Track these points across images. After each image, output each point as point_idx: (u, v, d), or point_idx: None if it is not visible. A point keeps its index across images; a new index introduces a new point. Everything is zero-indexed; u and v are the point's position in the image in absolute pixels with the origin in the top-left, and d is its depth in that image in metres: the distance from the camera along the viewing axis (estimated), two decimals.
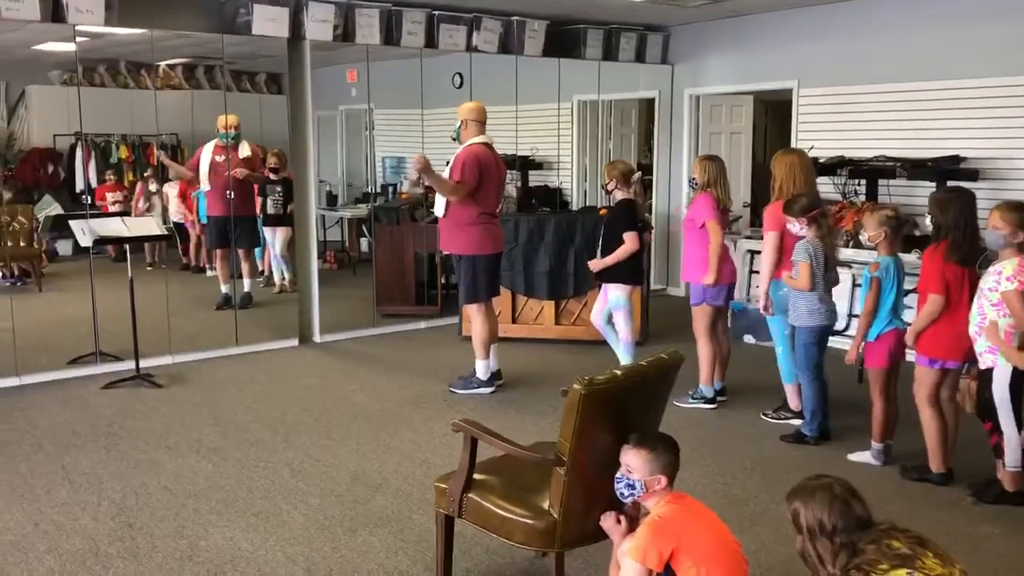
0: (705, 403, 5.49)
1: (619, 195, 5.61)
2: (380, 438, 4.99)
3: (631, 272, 5.63)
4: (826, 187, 7.38)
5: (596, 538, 2.96)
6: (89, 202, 7.10)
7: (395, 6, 7.32)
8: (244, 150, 7.62)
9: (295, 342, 7.18)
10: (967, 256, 4.15)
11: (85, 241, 5.92)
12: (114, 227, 6.02)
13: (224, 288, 7.80)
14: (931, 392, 4.27)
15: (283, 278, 8.39)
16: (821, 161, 7.22)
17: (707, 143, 8.91)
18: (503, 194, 6.16)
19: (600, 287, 5.83)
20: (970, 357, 4.17)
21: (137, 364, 5.99)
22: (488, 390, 5.80)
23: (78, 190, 8.91)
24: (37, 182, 9.10)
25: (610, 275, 5.62)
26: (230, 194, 7.34)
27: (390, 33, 7.36)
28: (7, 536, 3.75)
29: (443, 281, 8.06)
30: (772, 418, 5.27)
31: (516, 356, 6.56)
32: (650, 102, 9.40)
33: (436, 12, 7.54)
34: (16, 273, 8.25)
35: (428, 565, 3.47)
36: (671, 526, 2.61)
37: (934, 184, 6.46)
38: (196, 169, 7.66)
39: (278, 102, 8.79)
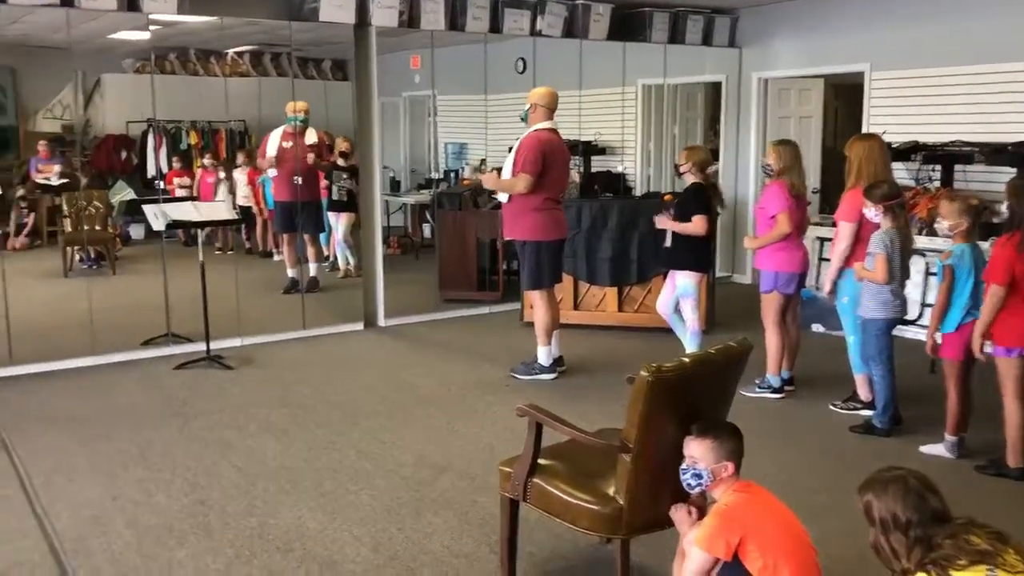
0: (772, 392, 5.41)
1: (690, 178, 5.53)
2: (444, 421, 5.03)
3: (700, 259, 5.57)
4: (899, 173, 7.18)
5: (661, 526, 2.94)
6: (161, 187, 7.28)
7: None
8: (311, 136, 7.72)
9: (360, 326, 7.28)
10: None
11: (158, 225, 6.07)
12: (186, 211, 6.16)
13: (291, 272, 7.94)
14: (1018, 384, 4.13)
15: (347, 263, 8.50)
16: (894, 146, 7.02)
17: (775, 128, 8.74)
18: (568, 180, 6.12)
19: (666, 275, 5.78)
20: None
21: (208, 346, 6.13)
22: (550, 376, 5.80)
23: (150, 175, 9.15)
24: (111, 168, 9.36)
25: (679, 261, 5.56)
26: (298, 180, 7.44)
27: (455, 18, 7.37)
28: (87, 511, 3.89)
29: (505, 267, 8.07)
30: (841, 408, 5.17)
31: (578, 343, 6.54)
32: (716, 86, 9.26)
33: None
34: (92, 256, 8.51)
35: (492, 548, 3.49)
36: (739, 514, 2.58)
37: (1014, 170, 6.24)
38: (264, 155, 7.79)
39: (343, 88, 8.88)
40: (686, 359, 2.88)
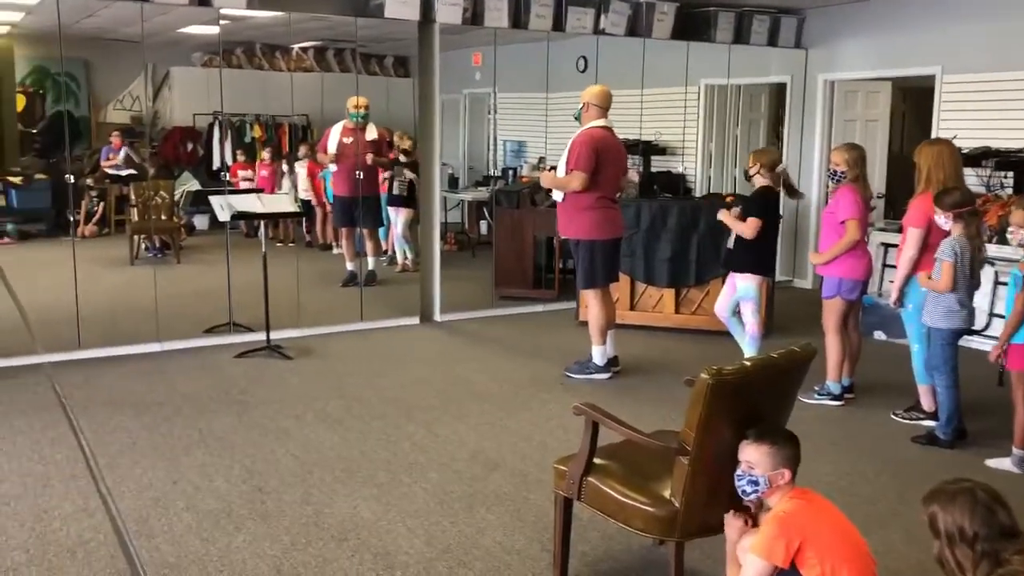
0: (832, 399, 5.31)
1: (759, 181, 5.45)
2: (498, 417, 5.05)
3: (761, 261, 5.49)
4: (970, 179, 6.99)
5: (716, 530, 2.91)
6: (226, 179, 7.42)
7: None
8: (371, 132, 7.80)
9: (416, 320, 7.33)
10: None
11: (224, 216, 6.19)
12: (250, 203, 6.27)
13: (350, 266, 8.03)
14: None
15: (406, 257, 8.57)
16: (965, 151, 6.84)
17: (841, 131, 8.58)
18: (625, 179, 6.09)
19: (725, 277, 5.71)
20: None
21: (268, 335, 6.23)
22: (604, 376, 5.78)
23: (215, 167, 9.34)
24: (178, 159, 9.60)
25: (739, 263, 5.49)
26: (359, 175, 7.52)
27: (518, 16, 7.38)
28: (150, 492, 3.98)
29: (561, 265, 8.06)
30: (903, 418, 5.06)
31: (634, 343, 6.50)
32: (780, 87, 9.12)
33: None
34: (158, 245, 8.72)
35: (545, 546, 3.49)
36: (796, 521, 2.54)
37: None
38: (325, 150, 7.89)
39: (405, 85, 8.96)
40: (748, 362, 2.85)
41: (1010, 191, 6.71)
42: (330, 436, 4.73)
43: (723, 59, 8.50)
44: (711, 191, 8.90)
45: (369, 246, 8.09)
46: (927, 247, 4.80)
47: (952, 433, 4.65)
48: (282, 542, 3.54)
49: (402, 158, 8.30)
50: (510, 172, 9.72)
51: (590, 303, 5.79)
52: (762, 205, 5.41)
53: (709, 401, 2.71)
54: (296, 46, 9.16)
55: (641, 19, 7.94)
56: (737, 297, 5.54)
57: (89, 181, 9.21)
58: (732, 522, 2.79)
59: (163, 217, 8.44)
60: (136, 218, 8.44)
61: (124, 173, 9.03)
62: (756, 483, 2.65)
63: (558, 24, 7.57)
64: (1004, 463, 4.37)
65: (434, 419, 5.01)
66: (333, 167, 7.89)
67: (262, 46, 9.39)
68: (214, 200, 6.29)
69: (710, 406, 2.72)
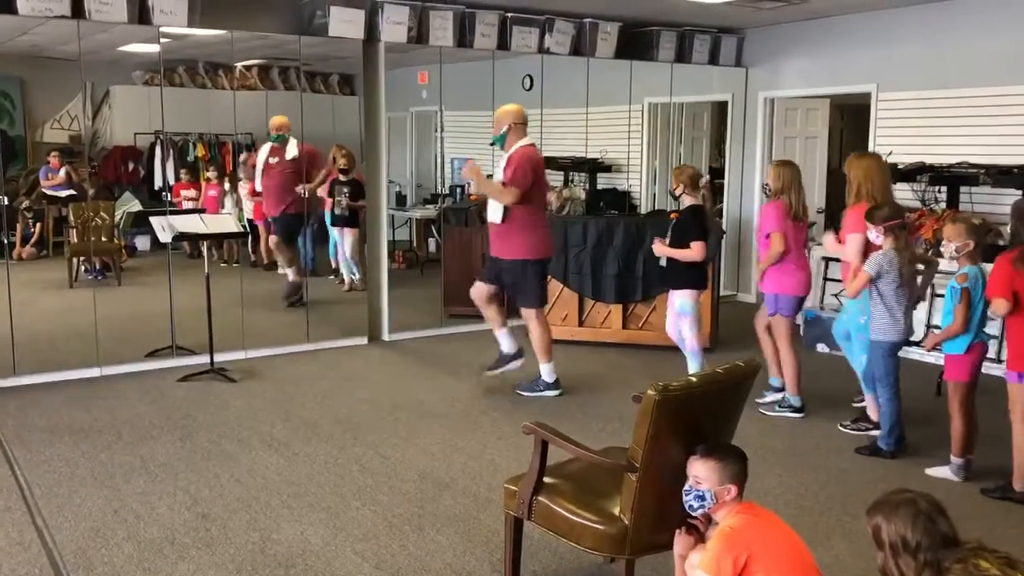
0: (792, 412, 5.40)
1: (688, 200, 5.50)
2: (447, 437, 5.02)
3: (696, 277, 5.53)
4: (905, 193, 7.20)
5: (667, 547, 2.91)
6: (168, 199, 7.29)
7: (469, 8, 7.35)
8: (291, 151, 7.65)
9: (364, 340, 7.27)
10: None
11: (165, 237, 6.08)
12: (193, 224, 6.16)
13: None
14: None
15: (353, 277, 8.49)
16: (900, 167, 7.03)
17: (781, 147, 8.75)
18: (558, 195, 6.16)
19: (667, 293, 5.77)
20: None
21: (212, 358, 6.12)
22: (555, 392, 5.78)
23: (157, 187, 9.17)
24: (118, 179, 9.39)
25: (675, 280, 5.53)
26: (299, 190, 7.41)
27: (463, 35, 7.41)
28: (88, 522, 3.87)
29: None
30: (851, 429, 5.15)
31: (583, 360, 6.52)
32: (722, 105, 9.28)
33: (509, 14, 7.56)
34: (98, 267, 8.52)
35: (495, 566, 3.47)
36: (743, 536, 2.56)
37: (1019, 192, 6.24)
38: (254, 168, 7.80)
39: (350, 103, 8.90)
40: (693, 378, 2.87)
41: (944, 205, 6.90)
42: (276, 460, 4.65)
43: (666, 77, 8.62)
44: (656, 208, 9.00)
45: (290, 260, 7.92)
46: (867, 254, 4.90)
47: (894, 443, 4.74)
48: (227, 570, 3.47)
49: (341, 176, 8.21)
50: (458, 190, 9.71)
51: (533, 322, 5.75)
52: (699, 224, 5.43)
53: (656, 417, 2.73)
54: (239, 64, 9.05)
55: (585, 38, 8.03)
56: (676, 313, 5.56)
57: (25, 202, 8.97)
58: (681, 539, 2.80)
59: (103, 239, 8.25)
60: (75, 240, 8.24)
61: (63, 194, 8.82)
62: (703, 498, 2.66)
63: (503, 43, 7.61)
64: (943, 471, 4.47)
65: (383, 440, 4.96)
66: (259, 187, 7.80)
67: (205, 64, 9.26)
68: (155, 221, 6.17)
69: (657, 422, 2.73)
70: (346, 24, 6.81)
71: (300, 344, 6.99)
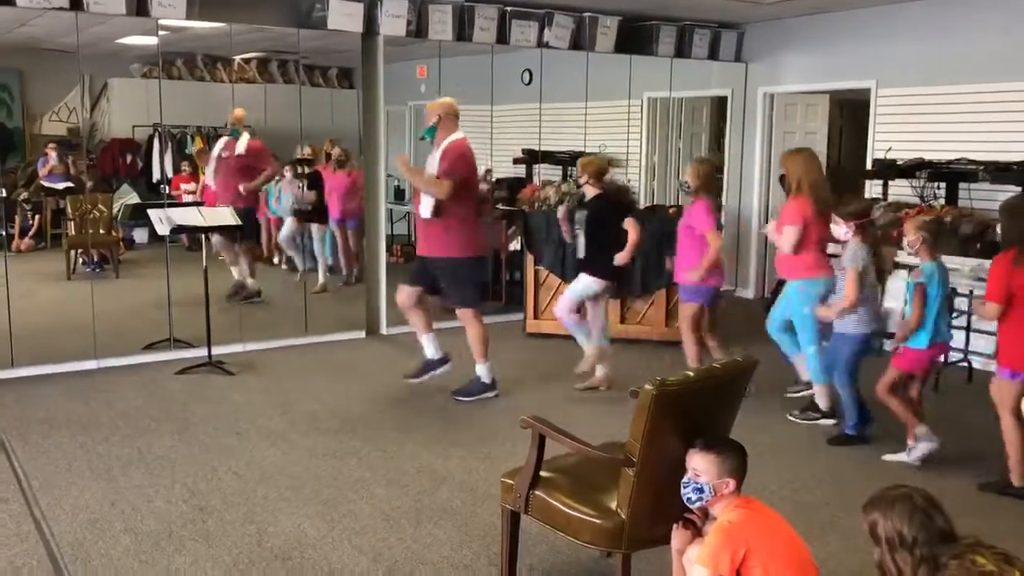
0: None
1: (591, 191, 5.49)
2: (445, 431, 5.02)
3: (610, 268, 5.55)
4: (904, 190, 7.20)
5: (663, 541, 2.92)
6: (166, 192, 7.28)
7: (468, 2, 7.34)
8: (241, 145, 7.51)
9: (362, 333, 7.27)
10: None
11: (163, 230, 6.08)
12: (191, 216, 6.15)
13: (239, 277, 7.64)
14: (1015, 404, 4.13)
15: (325, 277, 8.19)
16: (899, 163, 7.03)
17: (780, 143, 8.74)
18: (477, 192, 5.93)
19: (668, 287, 5.78)
20: None
21: (209, 351, 6.12)
22: (492, 394, 5.60)
23: (155, 180, 9.15)
24: (116, 171, 9.36)
25: (590, 267, 5.56)
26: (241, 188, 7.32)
27: (462, 29, 7.39)
28: (86, 514, 3.87)
29: (507, 277, 8.06)
30: (800, 419, 5.22)
31: (580, 355, 6.52)
32: (722, 100, 9.27)
33: (508, 8, 7.55)
34: (96, 259, 8.51)
35: (492, 560, 3.48)
36: (741, 531, 2.56)
37: (1019, 189, 6.25)
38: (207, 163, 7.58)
39: (349, 96, 8.89)
40: (691, 373, 2.88)
41: (942, 201, 6.90)
42: (274, 453, 4.65)
43: (665, 72, 8.61)
44: (654, 203, 8.99)
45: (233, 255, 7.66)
46: (803, 245, 5.03)
47: (861, 427, 4.83)
48: (224, 563, 3.47)
49: (298, 169, 8.06)
50: None
51: (469, 322, 5.51)
52: (616, 210, 5.48)
53: (653, 412, 2.73)
54: (238, 57, 9.03)
55: (584, 32, 8.01)
56: (577, 292, 5.59)
57: (24, 194, 8.96)
58: (678, 533, 2.81)
59: (101, 231, 8.24)
60: (73, 232, 8.23)
61: (61, 186, 8.80)
62: (701, 491, 2.67)
63: (502, 37, 7.60)
64: (901, 456, 4.60)
65: (379, 434, 4.96)
66: (211, 180, 7.63)
67: (203, 57, 9.24)
68: (153, 213, 6.17)
69: (654, 417, 2.73)
70: (345, 17, 6.80)
71: (298, 337, 6.99)
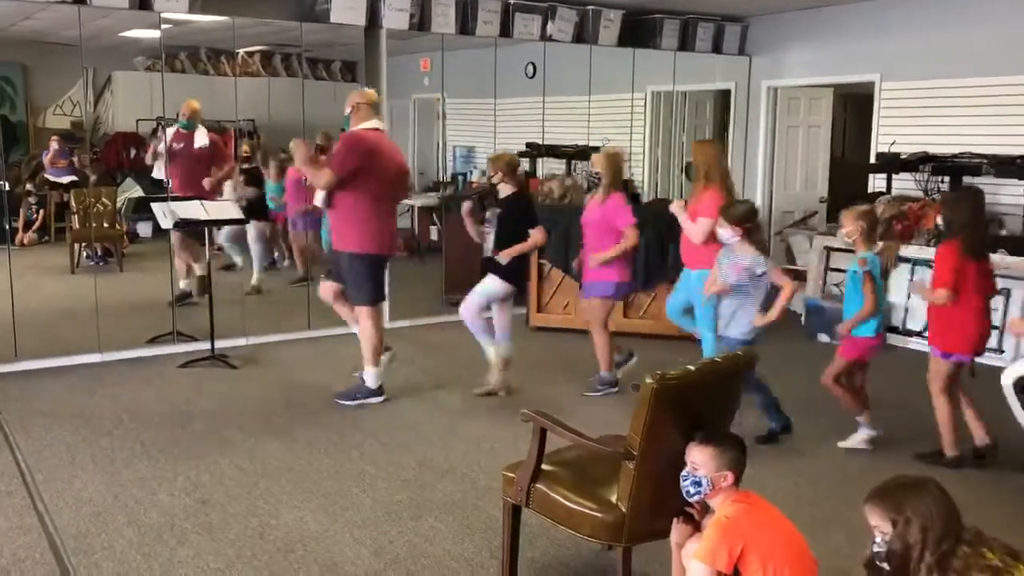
0: (611, 388, 5.59)
1: (506, 189, 5.34)
2: (447, 424, 5.03)
3: (514, 269, 5.37)
4: (907, 183, 7.19)
5: (663, 535, 2.92)
6: (169, 185, 7.28)
7: None
8: (200, 138, 7.35)
9: None
10: (980, 251, 4.38)
11: (166, 223, 6.08)
12: (194, 211, 6.16)
13: (183, 284, 7.38)
14: (945, 384, 4.41)
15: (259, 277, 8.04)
16: (903, 156, 7.02)
17: (784, 136, 8.75)
18: (405, 187, 5.67)
19: (670, 282, 5.76)
20: (979, 351, 4.43)
21: (213, 345, 6.13)
22: (378, 399, 5.36)
23: (158, 174, 9.12)
24: (120, 165, 9.38)
25: (498, 269, 5.36)
26: (169, 180, 7.10)
27: (465, 22, 7.38)
28: (89, 507, 3.89)
29: None
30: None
31: (582, 348, 6.52)
32: (725, 93, 9.25)
33: (512, 1, 7.53)
34: (100, 253, 8.54)
35: (494, 553, 3.48)
36: (739, 526, 2.56)
37: (1022, 182, 6.24)
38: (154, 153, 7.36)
39: (352, 90, 8.89)
40: (691, 367, 2.87)
41: None
42: (276, 446, 4.66)
43: (669, 66, 8.59)
44: (658, 196, 8.99)
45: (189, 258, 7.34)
46: (712, 237, 5.00)
47: (781, 418, 4.83)
48: (227, 555, 3.48)
49: (244, 165, 7.85)
50: (460, 177, 9.70)
51: (364, 320, 5.28)
52: (528, 212, 5.39)
53: (653, 406, 2.73)
54: (241, 51, 9.04)
55: (588, 26, 8.00)
56: (484, 293, 5.41)
57: (28, 187, 8.98)
58: (678, 527, 2.81)
59: (105, 224, 8.26)
60: (77, 226, 8.25)
61: (65, 180, 8.82)
62: (700, 484, 2.67)
63: (505, 30, 7.58)
64: (856, 440, 4.69)
65: (381, 427, 4.97)
66: (160, 172, 7.32)
67: (207, 50, 9.25)
68: (156, 207, 6.17)
69: (654, 411, 2.74)
70: (348, 10, 6.79)
71: (301, 331, 6.99)
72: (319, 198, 5.19)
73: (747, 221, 4.51)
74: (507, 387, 5.56)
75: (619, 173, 5.48)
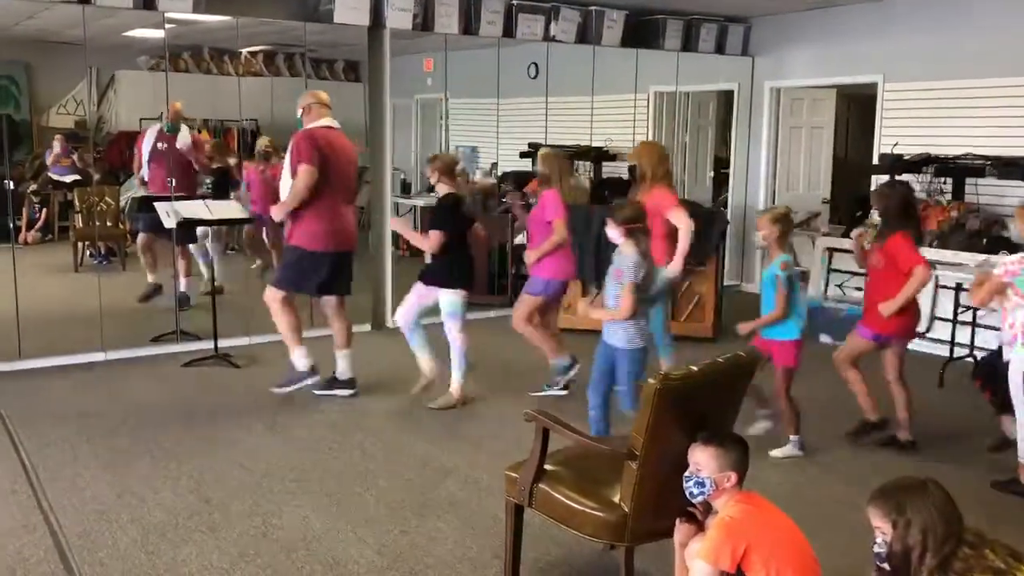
0: (560, 389, 5.57)
1: (443, 189, 5.26)
2: (449, 424, 5.04)
3: (459, 275, 5.25)
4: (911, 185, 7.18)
5: (666, 535, 2.93)
6: (172, 185, 7.28)
7: None
8: (184, 139, 7.31)
9: (368, 327, 7.28)
10: (919, 241, 4.77)
11: (169, 223, 6.09)
12: (197, 210, 6.17)
13: (151, 278, 7.30)
14: (895, 369, 4.71)
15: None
16: (906, 158, 7.01)
17: (787, 137, 8.75)
18: (355, 185, 5.57)
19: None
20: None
21: (216, 344, 6.14)
22: (311, 380, 5.42)
23: None
24: (123, 164, 9.38)
25: (437, 278, 5.25)
26: (171, 181, 6.99)
27: (468, 22, 7.39)
28: (93, 505, 3.90)
29: (513, 271, 8.07)
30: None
31: (587, 348, 6.52)
32: (728, 94, 9.25)
33: (515, 2, 7.54)
34: (103, 252, 8.55)
35: (496, 552, 3.49)
36: (742, 526, 2.57)
37: None
38: (140, 163, 7.29)
39: (355, 90, 8.89)
40: (695, 368, 2.88)
41: (949, 197, 6.88)
42: (279, 445, 4.68)
43: (672, 66, 8.60)
44: None
45: (182, 265, 7.23)
46: (664, 236, 5.19)
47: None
48: (230, 554, 3.49)
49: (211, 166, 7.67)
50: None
51: (273, 306, 5.29)
52: (444, 215, 5.21)
53: (656, 406, 2.74)
54: (245, 50, 9.04)
55: (591, 26, 8.00)
56: (444, 314, 5.29)
57: (32, 187, 8.99)
58: (681, 527, 2.82)
59: (108, 223, 8.28)
60: (80, 224, 8.27)
61: (69, 179, 8.83)
62: (703, 485, 2.67)
63: (508, 31, 7.59)
64: (787, 450, 4.67)
65: (384, 426, 4.98)
66: (146, 174, 7.34)
67: (210, 50, 9.26)
68: (160, 207, 6.18)
69: (657, 411, 2.74)
70: (351, 10, 6.80)
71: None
72: (278, 213, 5.19)
73: (633, 223, 4.27)
74: (462, 398, 5.36)
75: (558, 169, 5.52)
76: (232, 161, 8.06)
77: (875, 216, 5.98)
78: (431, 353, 5.38)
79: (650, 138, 9.14)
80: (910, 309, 4.62)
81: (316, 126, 5.21)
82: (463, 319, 5.31)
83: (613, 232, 4.30)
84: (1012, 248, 6.09)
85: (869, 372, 4.82)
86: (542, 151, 5.85)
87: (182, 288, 7.15)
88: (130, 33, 7.87)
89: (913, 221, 4.79)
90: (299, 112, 5.30)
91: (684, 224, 5.23)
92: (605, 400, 4.33)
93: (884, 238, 4.61)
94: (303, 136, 5.15)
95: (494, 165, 9.14)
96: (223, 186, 7.78)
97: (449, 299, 5.25)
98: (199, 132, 9.16)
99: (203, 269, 7.53)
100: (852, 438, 4.80)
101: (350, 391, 5.51)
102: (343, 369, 5.54)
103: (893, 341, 4.70)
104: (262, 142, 8.12)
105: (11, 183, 6.35)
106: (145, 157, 7.30)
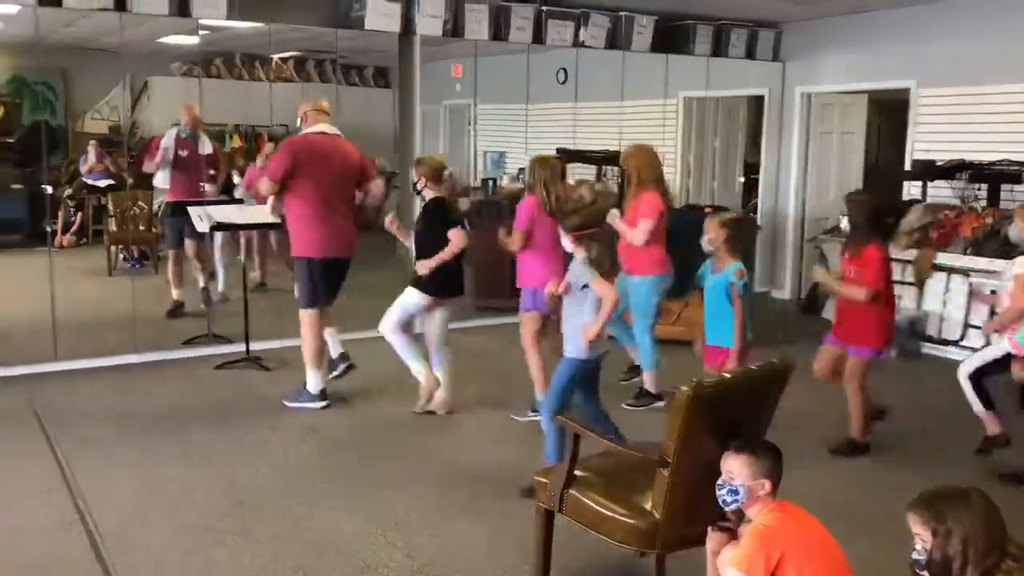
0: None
1: (429, 193, 5.17)
2: (480, 428, 5.05)
3: (439, 279, 5.09)
4: (944, 191, 7.11)
5: (698, 542, 2.92)
6: (204, 189, 7.37)
7: (504, 2, 7.36)
8: (206, 146, 7.31)
9: None
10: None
11: (203, 227, 6.15)
12: (230, 214, 6.23)
13: (176, 293, 7.35)
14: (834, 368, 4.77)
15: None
16: (939, 164, 6.94)
17: (817, 143, 8.69)
18: (350, 187, 5.42)
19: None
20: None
21: (247, 347, 6.19)
22: (319, 404, 5.31)
23: None
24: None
25: (416, 280, 5.11)
26: (203, 187, 7.16)
27: (498, 28, 7.41)
28: (127, 506, 3.95)
29: None
30: (636, 407, 5.36)
31: (614, 354, 6.51)
32: (759, 99, 9.20)
33: (544, 8, 7.55)
34: (136, 256, 8.66)
35: (526, 558, 3.49)
36: (776, 534, 2.55)
37: None
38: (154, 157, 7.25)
39: (385, 96, 8.95)
40: (728, 375, 2.87)
41: (984, 203, 6.80)
42: (310, 448, 4.71)
43: (702, 71, 8.57)
44: (690, 203, 8.95)
45: (202, 268, 7.36)
46: (653, 240, 5.20)
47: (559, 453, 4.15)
48: (262, 556, 3.52)
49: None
50: (490, 183, 9.72)
51: (305, 325, 5.26)
52: (445, 215, 5.12)
53: (689, 413, 2.73)
54: (276, 56, 9.14)
55: (620, 32, 8.00)
56: (400, 306, 5.15)
57: (67, 191, 9.14)
58: (714, 535, 2.80)
59: (141, 227, 8.39)
60: (114, 228, 8.39)
61: (103, 183, 8.97)
62: (736, 493, 2.66)
63: (538, 37, 7.60)
64: None
65: (415, 430, 5.00)
66: (165, 181, 7.33)
67: (242, 56, 9.37)
68: (193, 211, 6.25)
69: (690, 418, 2.74)
70: (382, 17, 6.85)
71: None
72: (267, 210, 5.34)
73: (583, 230, 4.12)
74: (447, 405, 5.27)
75: (540, 177, 5.06)
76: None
77: (913, 220, 5.94)
78: (423, 363, 5.26)
79: (680, 144, 9.13)
80: (873, 321, 4.61)
81: (309, 132, 5.25)
82: (404, 319, 5.14)
83: (565, 240, 4.16)
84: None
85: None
86: (532, 157, 5.57)
87: (201, 284, 7.29)
88: (164, 40, 7.98)
89: (882, 231, 4.87)
90: (298, 121, 5.38)
91: (631, 235, 5.17)
92: (595, 407, 4.19)
93: (858, 248, 4.63)
94: (284, 144, 5.26)
95: (522, 170, 9.15)
96: (229, 191, 7.86)
97: (412, 298, 5.12)
98: (231, 137, 9.28)
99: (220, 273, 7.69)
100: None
101: (323, 403, 5.34)
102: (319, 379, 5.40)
103: (857, 351, 4.70)
104: (268, 147, 8.18)
105: (49, 187, 6.44)
106: (168, 158, 7.20)
